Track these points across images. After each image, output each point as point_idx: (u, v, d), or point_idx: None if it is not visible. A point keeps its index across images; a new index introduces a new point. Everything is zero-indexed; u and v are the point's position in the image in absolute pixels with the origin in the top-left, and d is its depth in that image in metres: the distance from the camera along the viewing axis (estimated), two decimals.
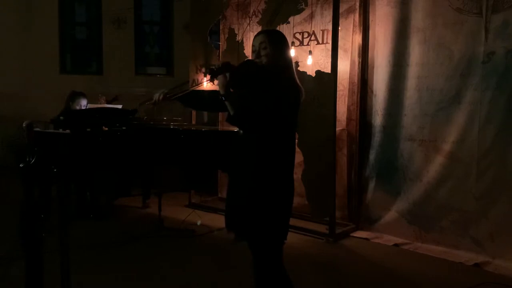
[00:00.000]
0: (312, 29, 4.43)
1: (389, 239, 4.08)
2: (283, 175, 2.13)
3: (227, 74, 2.05)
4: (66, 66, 8.01)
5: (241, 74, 2.06)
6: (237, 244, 2.20)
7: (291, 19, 4.51)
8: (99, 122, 3.16)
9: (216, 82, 2.10)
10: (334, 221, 4.13)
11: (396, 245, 4.00)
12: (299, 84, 2.17)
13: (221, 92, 2.08)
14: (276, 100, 2.02)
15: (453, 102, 3.74)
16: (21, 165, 2.37)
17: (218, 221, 4.60)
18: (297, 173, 4.53)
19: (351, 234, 4.27)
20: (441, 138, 3.82)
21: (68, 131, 3.03)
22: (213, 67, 2.07)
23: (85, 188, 4.84)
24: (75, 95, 4.79)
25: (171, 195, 5.47)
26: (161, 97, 2.42)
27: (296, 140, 4.37)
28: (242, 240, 2.16)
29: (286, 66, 2.17)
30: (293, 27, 4.53)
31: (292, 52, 4.47)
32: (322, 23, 4.37)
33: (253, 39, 2.22)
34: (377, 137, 4.26)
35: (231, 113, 2.10)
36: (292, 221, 4.64)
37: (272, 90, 2.03)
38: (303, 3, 4.41)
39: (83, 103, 4.73)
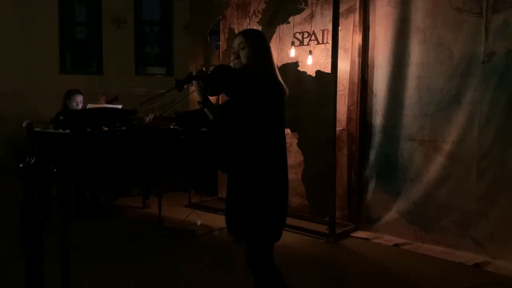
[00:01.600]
0: (312, 29, 4.43)
1: (389, 239, 4.08)
2: (273, 174, 2.12)
3: (200, 82, 2.07)
4: (66, 66, 8.00)
5: (214, 80, 2.06)
6: (238, 245, 2.21)
7: (291, 19, 4.51)
8: (99, 122, 3.16)
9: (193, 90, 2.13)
10: (334, 221, 4.13)
11: (396, 245, 3.99)
12: (281, 82, 2.17)
13: (199, 99, 2.11)
14: (255, 102, 2.04)
15: (453, 102, 3.74)
16: (21, 165, 2.37)
17: (218, 221, 4.60)
18: (297, 173, 4.53)
19: (351, 234, 4.27)
20: (441, 138, 3.82)
21: (68, 131, 3.03)
22: (179, 78, 2.09)
23: (85, 188, 4.84)
24: (70, 93, 4.79)
25: (171, 195, 5.47)
26: (151, 119, 2.48)
27: (296, 140, 4.43)
28: (240, 241, 2.17)
29: (266, 65, 2.17)
30: (293, 27, 4.53)
31: (292, 52, 4.48)
32: (322, 23, 4.38)
33: (233, 41, 2.25)
34: (377, 137, 4.26)
35: (211, 118, 2.15)
36: (292, 221, 4.69)
37: (250, 91, 2.04)
38: (303, 3, 4.42)
39: (79, 99, 4.74)
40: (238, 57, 2.18)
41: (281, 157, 2.17)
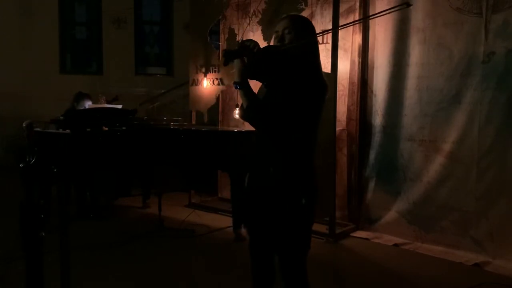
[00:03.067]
0: None
1: (389, 239, 4.08)
2: (306, 179, 2.00)
3: (245, 59, 1.82)
4: (66, 66, 8.02)
5: (259, 61, 1.80)
6: (238, 243, 2.20)
7: None
8: (99, 122, 3.16)
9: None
10: (334, 221, 4.13)
11: (396, 245, 3.99)
12: (324, 78, 1.95)
13: (236, 79, 1.84)
14: (297, 99, 1.83)
15: (453, 102, 3.74)
16: (21, 165, 2.37)
17: (218, 221, 4.61)
18: None
19: (351, 234, 4.26)
20: (441, 138, 3.82)
21: (68, 131, 3.04)
22: (229, 48, 1.83)
23: (85, 188, 4.84)
24: (80, 96, 4.80)
25: (171, 195, 5.47)
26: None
27: None
28: (272, 251, 2.05)
29: (312, 54, 1.96)
30: None
31: None
32: (322, 23, 4.37)
33: (277, 24, 1.99)
34: (377, 137, 4.26)
35: (244, 105, 1.90)
36: None
37: (294, 85, 1.82)
38: (303, 3, 4.42)
39: (87, 105, 4.73)
40: (282, 41, 1.92)
41: (312, 161, 2.03)
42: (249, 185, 2.07)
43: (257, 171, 2.02)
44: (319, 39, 4.42)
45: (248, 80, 1.86)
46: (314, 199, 2.04)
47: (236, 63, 1.83)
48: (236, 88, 1.86)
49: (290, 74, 1.82)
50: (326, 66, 4.24)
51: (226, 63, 1.83)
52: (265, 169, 1.95)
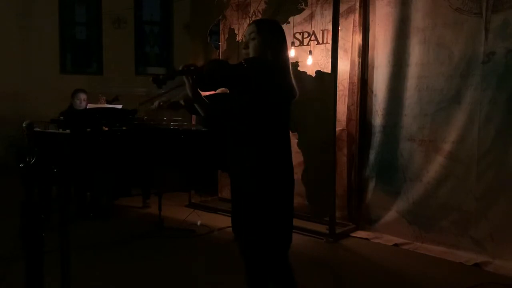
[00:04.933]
0: (312, 29, 4.43)
1: (389, 239, 4.08)
2: (276, 177, 2.01)
3: (189, 77, 1.92)
4: (66, 66, 8.01)
5: (210, 74, 1.91)
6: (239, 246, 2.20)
7: (291, 19, 4.51)
8: (99, 122, 3.16)
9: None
10: (334, 221, 4.13)
11: (396, 245, 3.99)
12: (292, 82, 2.01)
13: (189, 95, 1.96)
14: (251, 101, 1.89)
15: (453, 102, 3.74)
16: (21, 165, 2.36)
17: (218, 221, 4.61)
18: (297, 173, 4.53)
19: (351, 234, 4.26)
20: (441, 138, 3.82)
21: (68, 131, 3.04)
22: (160, 75, 1.96)
23: (85, 188, 4.85)
24: (75, 91, 4.89)
25: (171, 195, 5.47)
26: (157, 106, 2.37)
27: (296, 140, 4.43)
28: (247, 248, 2.12)
29: (275, 61, 1.97)
30: (293, 27, 4.53)
31: (292, 52, 4.48)
32: (322, 23, 4.37)
33: (246, 29, 2.10)
34: (377, 137, 4.26)
35: (202, 115, 2.03)
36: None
37: (247, 90, 1.90)
38: (303, 3, 4.42)
39: (83, 97, 4.83)
40: (246, 47, 2.01)
41: (286, 159, 2.06)
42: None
43: (231, 169, 2.13)
44: (319, 39, 4.42)
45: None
46: (287, 193, 2.07)
47: (185, 81, 1.94)
48: (185, 105, 2.06)
49: (240, 83, 1.91)
50: (326, 66, 4.25)
51: (159, 87, 1.98)
52: (232, 167, 2.07)
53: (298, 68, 4.41)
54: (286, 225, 2.10)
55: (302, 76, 4.35)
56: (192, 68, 1.92)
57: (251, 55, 2.00)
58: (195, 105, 1.98)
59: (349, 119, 4.43)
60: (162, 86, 1.97)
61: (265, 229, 2.00)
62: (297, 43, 4.54)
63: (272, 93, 1.95)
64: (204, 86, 1.96)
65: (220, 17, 5.26)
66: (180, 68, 1.93)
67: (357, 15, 4.33)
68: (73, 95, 4.88)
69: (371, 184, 4.32)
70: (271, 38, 1.99)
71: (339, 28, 4.13)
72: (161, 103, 2.33)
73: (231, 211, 2.21)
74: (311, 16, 4.39)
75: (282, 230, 2.06)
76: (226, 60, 2.10)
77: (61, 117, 3.98)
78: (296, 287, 2.12)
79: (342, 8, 4.20)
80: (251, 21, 2.17)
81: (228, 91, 2.03)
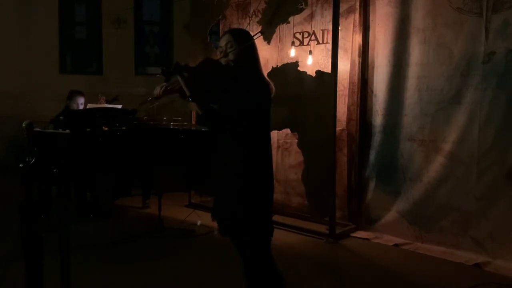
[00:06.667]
0: (312, 29, 4.43)
1: (389, 239, 4.08)
2: (260, 172, 2.15)
3: (184, 75, 2.06)
4: (66, 66, 7.99)
5: (200, 73, 2.07)
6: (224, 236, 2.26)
7: (291, 19, 4.51)
8: (99, 122, 3.16)
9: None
10: (334, 221, 4.13)
11: (396, 245, 3.99)
12: (269, 81, 2.21)
13: (187, 94, 2.12)
14: (244, 99, 2.06)
15: (453, 102, 3.74)
16: (21, 165, 2.36)
17: None
18: (297, 173, 4.54)
19: (351, 234, 4.26)
20: (441, 138, 3.82)
21: (68, 131, 3.03)
22: (165, 68, 2.06)
23: (85, 188, 4.84)
24: (73, 94, 4.83)
25: (171, 195, 5.47)
26: (161, 91, 2.36)
27: (296, 140, 4.43)
28: (236, 240, 2.25)
29: (253, 65, 2.21)
30: (293, 27, 4.53)
31: (292, 52, 4.49)
32: (322, 23, 4.37)
33: (220, 39, 2.27)
34: (377, 137, 4.26)
35: (199, 113, 2.15)
36: (292, 221, 4.68)
37: (238, 89, 2.07)
38: (303, 3, 4.41)
39: (81, 101, 4.77)
40: (225, 55, 2.20)
41: (265, 155, 2.20)
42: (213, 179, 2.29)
43: (217, 165, 2.23)
44: (319, 39, 4.42)
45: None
46: (266, 187, 2.20)
47: (180, 79, 2.08)
48: (189, 101, 2.13)
49: (232, 82, 2.07)
50: (326, 66, 4.25)
51: (167, 80, 2.08)
52: (223, 163, 2.17)
53: (298, 68, 4.41)
54: (270, 216, 2.25)
55: (302, 76, 4.35)
56: (184, 66, 2.05)
57: (231, 61, 2.19)
58: (193, 103, 2.12)
59: (349, 119, 4.43)
60: (170, 78, 2.07)
61: (257, 221, 2.16)
62: (297, 43, 4.54)
63: (258, 91, 2.14)
64: (197, 85, 2.09)
65: (220, 17, 5.26)
66: (172, 67, 2.05)
67: (357, 15, 4.33)
68: (70, 97, 4.80)
69: (371, 184, 4.32)
70: (246, 44, 2.21)
71: (339, 28, 4.12)
72: (168, 87, 2.29)
73: (218, 214, 2.38)
74: (311, 16, 4.39)
75: (269, 221, 2.21)
76: (218, 60, 2.21)
77: (61, 117, 3.97)
78: (281, 276, 2.21)
79: (342, 8, 4.20)
80: (226, 31, 2.39)
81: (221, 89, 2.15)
